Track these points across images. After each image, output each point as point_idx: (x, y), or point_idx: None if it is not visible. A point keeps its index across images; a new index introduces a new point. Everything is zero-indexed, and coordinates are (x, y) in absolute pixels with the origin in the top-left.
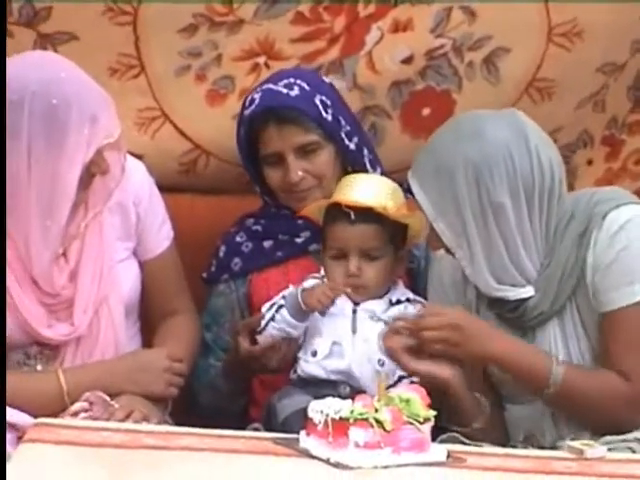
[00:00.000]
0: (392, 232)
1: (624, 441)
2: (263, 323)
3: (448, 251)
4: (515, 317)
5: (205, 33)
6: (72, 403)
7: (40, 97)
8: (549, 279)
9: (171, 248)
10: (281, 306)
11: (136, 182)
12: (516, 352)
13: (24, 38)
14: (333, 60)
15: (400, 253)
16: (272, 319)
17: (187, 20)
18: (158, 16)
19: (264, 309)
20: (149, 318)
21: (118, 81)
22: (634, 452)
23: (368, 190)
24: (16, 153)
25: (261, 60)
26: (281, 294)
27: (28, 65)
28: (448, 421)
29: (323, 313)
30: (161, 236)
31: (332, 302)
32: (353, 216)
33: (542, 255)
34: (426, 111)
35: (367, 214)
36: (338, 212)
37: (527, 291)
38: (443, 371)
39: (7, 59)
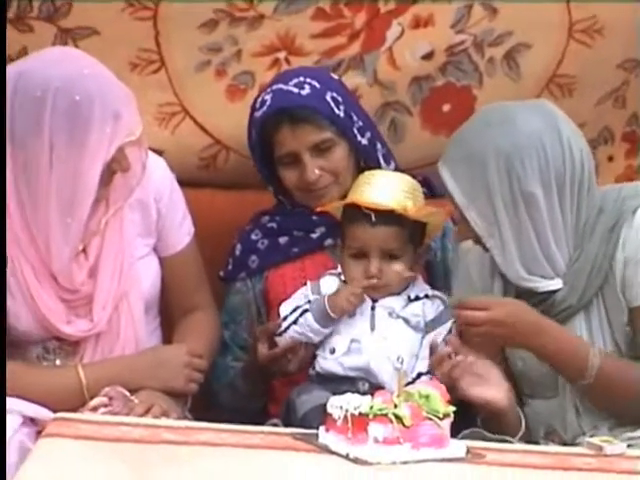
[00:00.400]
0: (412, 231)
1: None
2: (284, 325)
3: (478, 241)
4: (542, 310)
5: (225, 28)
6: (91, 398)
7: (63, 93)
8: (578, 273)
9: (192, 244)
10: (306, 310)
11: (157, 179)
12: (557, 344)
13: (45, 33)
14: (354, 56)
15: (419, 250)
16: (295, 322)
17: (207, 15)
18: (178, 11)
19: (283, 311)
20: (169, 314)
21: (138, 76)
22: None
23: (388, 190)
24: (38, 150)
25: (281, 55)
26: (306, 298)
27: (51, 61)
28: (485, 428)
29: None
30: (182, 232)
31: (356, 307)
32: (374, 218)
33: (572, 248)
34: (446, 107)
35: (387, 216)
36: (358, 212)
37: (556, 283)
38: (496, 395)
39: (30, 55)
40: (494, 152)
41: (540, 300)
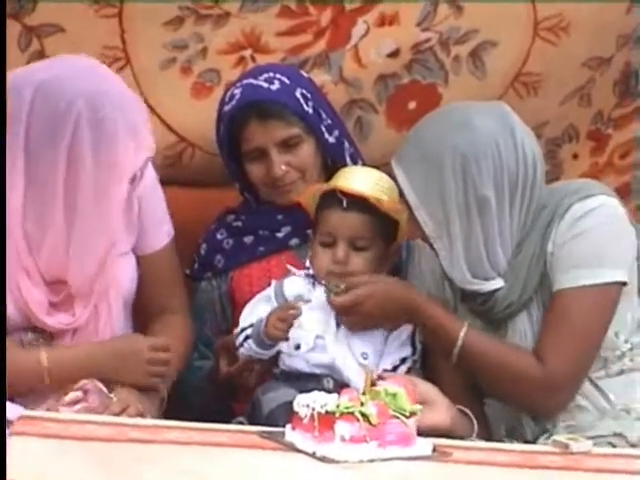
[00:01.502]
0: (382, 225)
1: (602, 437)
2: (237, 342)
3: (426, 241)
4: (486, 310)
5: (191, 26)
6: (52, 382)
7: (85, 111)
8: (517, 270)
9: (170, 246)
10: (248, 337)
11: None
12: (430, 322)
13: (10, 30)
14: (319, 54)
15: (389, 249)
16: (241, 345)
17: (173, 13)
18: (144, 9)
19: (241, 320)
20: (142, 315)
21: None
22: (614, 447)
23: (365, 180)
24: (55, 163)
25: (247, 53)
26: (267, 301)
27: (71, 76)
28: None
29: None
30: (161, 232)
31: (285, 332)
32: (345, 203)
33: (514, 247)
34: (412, 105)
35: (360, 203)
36: (332, 198)
37: (497, 283)
38: (438, 420)
39: (45, 62)
40: (451, 153)
41: (483, 300)
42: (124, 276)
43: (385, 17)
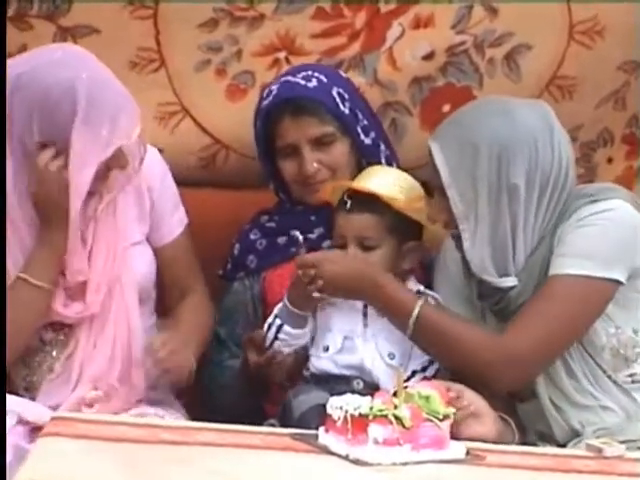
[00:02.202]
0: (392, 223)
1: (632, 441)
2: (268, 343)
3: (447, 226)
4: (500, 309)
5: (225, 28)
6: None
7: (61, 97)
8: (531, 269)
9: (185, 234)
10: (280, 325)
11: (149, 168)
12: (388, 298)
13: (44, 31)
14: (354, 56)
15: (405, 247)
16: (276, 339)
17: (207, 15)
18: (179, 10)
19: (265, 326)
20: (166, 307)
21: (138, 75)
22: None
23: (380, 179)
24: (35, 148)
25: (281, 55)
26: (273, 314)
27: (51, 63)
28: None
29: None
30: (174, 221)
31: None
32: (349, 204)
33: (534, 245)
34: (446, 107)
35: (367, 203)
36: (342, 200)
37: (510, 280)
38: (485, 431)
39: (30, 52)
40: (489, 139)
41: (498, 298)
42: (138, 265)
43: (420, 19)
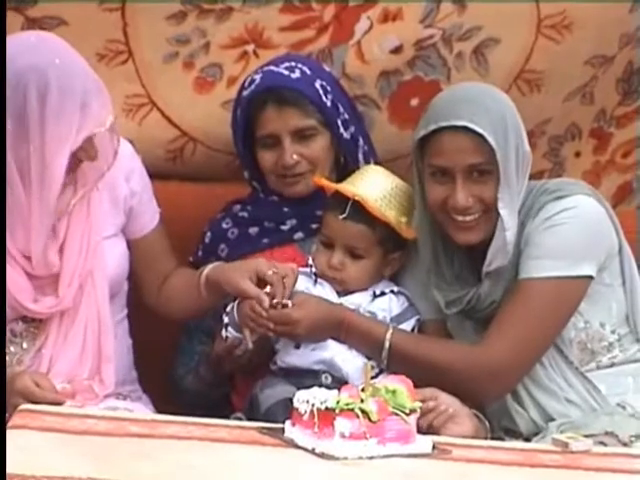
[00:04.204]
0: (383, 235)
1: (593, 435)
2: (223, 335)
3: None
4: (471, 310)
5: (194, 20)
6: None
7: (34, 82)
8: (498, 268)
9: (161, 222)
10: (227, 324)
11: (126, 159)
12: (356, 326)
13: (12, 22)
14: (322, 49)
15: (391, 256)
16: (227, 332)
17: (176, 7)
18: (147, 3)
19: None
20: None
21: (106, 67)
22: (606, 446)
23: (376, 190)
24: (12, 136)
25: (250, 48)
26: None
27: (24, 48)
28: None
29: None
30: (152, 210)
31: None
32: (347, 212)
33: None
34: (414, 101)
35: (362, 214)
36: (337, 201)
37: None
38: (464, 430)
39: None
40: (508, 106)
41: (469, 299)
42: (110, 259)
43: (388, 13)
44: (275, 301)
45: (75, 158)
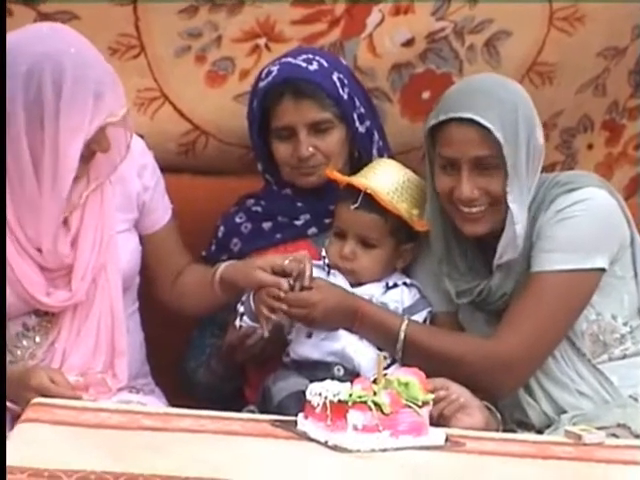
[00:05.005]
0: (395, 226)
1: (605, 428)
2: (237, 325)
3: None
4: (482, 302)
5: (205, 14)
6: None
7: (48, 70)
8: (510, 261)
9: (174, 217)
10: (242, 314)
11: (138, 154)
12: (371, 317)
13: (24, 17)
14: (333, 42)
15: (403, 248)
16: (241, 322)
17: (187, 1)
18: None
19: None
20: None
21: (118, 61)
22: (617, 438)
23: (388, 183)
24: (23, 125)
25: (261, 42)
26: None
27: (38, 37)
28: None
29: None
30: (165, 205)
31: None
32: (359, 202)
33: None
34: (426, 94)
35: (373, 204)
36: (350, 192)
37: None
38: (474, 422)
39: (19, 29)
40: (521, 98)
41: (480, 291)
42: (122, 253)
43: (400, 6)
44: (297, 283)
45: (88, 149)
